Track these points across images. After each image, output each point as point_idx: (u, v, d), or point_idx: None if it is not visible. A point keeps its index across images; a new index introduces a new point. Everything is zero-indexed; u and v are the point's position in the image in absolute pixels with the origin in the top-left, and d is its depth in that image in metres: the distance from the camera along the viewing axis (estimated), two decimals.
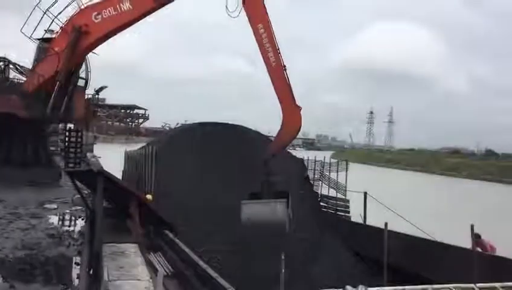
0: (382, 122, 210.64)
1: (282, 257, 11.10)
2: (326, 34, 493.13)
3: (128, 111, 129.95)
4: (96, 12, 19.25)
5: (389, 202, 17.98)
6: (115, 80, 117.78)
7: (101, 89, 29.90)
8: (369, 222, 18.23)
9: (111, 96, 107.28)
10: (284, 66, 15.76)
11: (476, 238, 11.52)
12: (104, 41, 20.28)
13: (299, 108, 15.58)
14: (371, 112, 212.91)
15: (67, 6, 19.80)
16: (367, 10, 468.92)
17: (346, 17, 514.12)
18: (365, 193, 18.28)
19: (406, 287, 8.73)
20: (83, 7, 19.40)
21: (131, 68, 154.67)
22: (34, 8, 18.99)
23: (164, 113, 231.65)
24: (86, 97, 26.39)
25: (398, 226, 16.30)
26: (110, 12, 19.08)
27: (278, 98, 15.63)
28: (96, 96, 28.10)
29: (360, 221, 18.46)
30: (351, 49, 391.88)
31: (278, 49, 15.79)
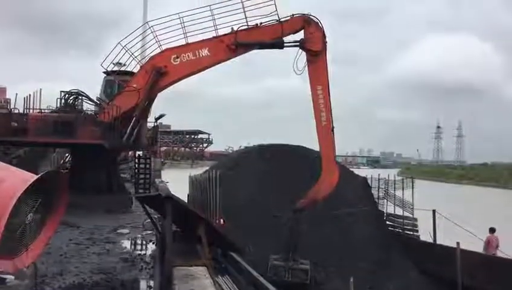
0: (451, 137, 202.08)
1: (351, 280, 11.00)
2: (382, 50, 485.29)
3: (192, 136, 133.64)
4: (175, 55, 20.08)
5: (461, 220, 17.26)
6: (174, 106, 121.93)
7: (161, 116, 31.03)
8: (440, 241, 17.58)
9: (174, 123, 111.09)
10: (333, 128, 16.45)
11: None
12: (179, 81, 21.24)
13: (338, 169, 16.36)
14: (438, 127, 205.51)
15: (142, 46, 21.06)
16: (420, 23, 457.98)
17: (400, 30, 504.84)
18: (434, 211, 17.69)
19: None
20: (163, 48, 20.19)
21: (188, 94, 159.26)
22: (117, 45, 20.21)
23: (227, 137, 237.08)
24: (153, 125, 27.62)
25: (473, 246, 15.57)
26: (188, 57, 19.92)
27: (321, 155, 16.38)
28: (156, 124, 29.11)
29: (430, 240, 17.84)
30: (407, 64, 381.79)
31: (331, 110, 16.43)
